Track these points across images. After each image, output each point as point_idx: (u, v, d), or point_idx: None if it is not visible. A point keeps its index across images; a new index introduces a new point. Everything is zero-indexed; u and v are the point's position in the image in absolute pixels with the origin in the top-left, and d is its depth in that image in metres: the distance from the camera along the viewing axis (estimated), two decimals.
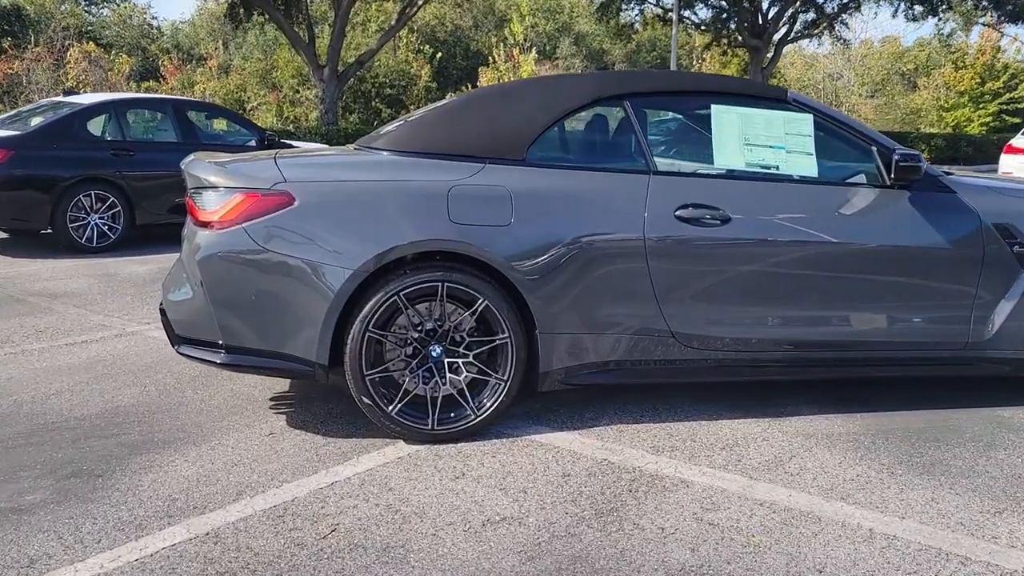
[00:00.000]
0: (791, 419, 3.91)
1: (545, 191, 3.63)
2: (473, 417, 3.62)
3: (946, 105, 43.19)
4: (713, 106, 3.90)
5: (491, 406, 3.63)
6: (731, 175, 3.84)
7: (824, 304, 3.78)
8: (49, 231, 8.70)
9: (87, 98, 9.89)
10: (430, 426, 3.59)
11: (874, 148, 3.87)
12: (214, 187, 3.55)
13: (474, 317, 3.58)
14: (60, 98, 10.56)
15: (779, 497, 3.11)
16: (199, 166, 3.70)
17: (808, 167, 3.86)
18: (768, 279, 3.73)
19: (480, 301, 3.55)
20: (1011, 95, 41.30)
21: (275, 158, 3.67)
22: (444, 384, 3.61)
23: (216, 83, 31.78)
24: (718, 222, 3.67)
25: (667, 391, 4.21)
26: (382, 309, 3.49)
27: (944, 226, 3.81)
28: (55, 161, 8.50)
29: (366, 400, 3.53)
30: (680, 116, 4.24)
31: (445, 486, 3.22)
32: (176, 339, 3.74)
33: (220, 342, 3.55)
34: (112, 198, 8.77)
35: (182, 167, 3.84)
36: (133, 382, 4.50)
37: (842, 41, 33.49)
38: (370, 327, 3.49)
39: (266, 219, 3.46)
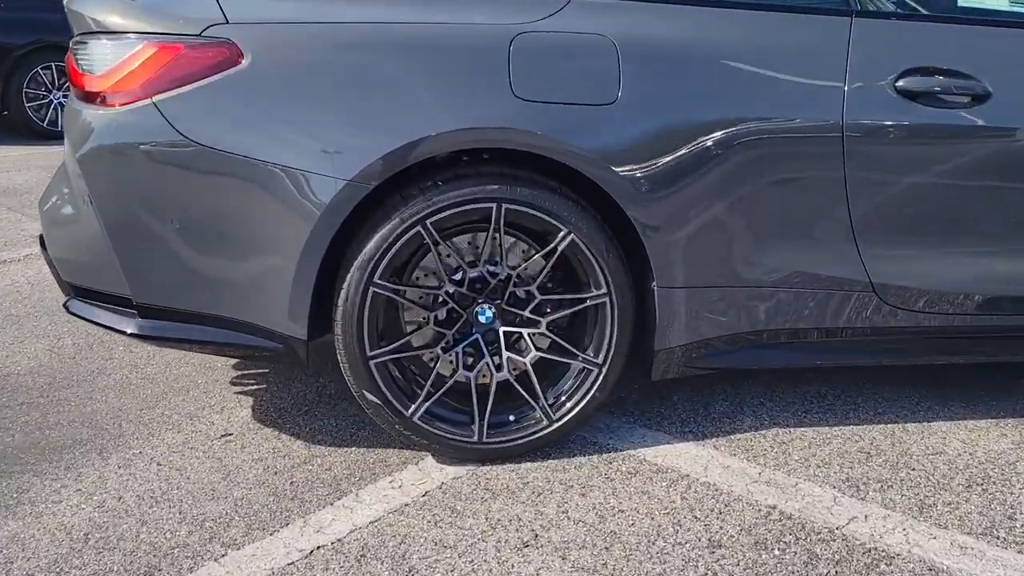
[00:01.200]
0: None
1: (676, 45, 2.11)
2: (546, 423, 2.21)
3: None
4: None
5: (575, 405, 2.22)
6: (986, 18, 2.28)
7: None
8: (5, 113, 7.23)
9: None
10: (476, 437, 2.19)
11: None
12: (107, 33, 2.06)
13: (550, 260, 2.13)
14: None
15: None
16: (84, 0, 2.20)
17: None
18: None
19: (562, 233, 2.09)
20: None
21: None
22: (499, 368, 2.19)
23: None
24: (968, 99, 2.15)
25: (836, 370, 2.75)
26: (397, 247, 2.04)
27: None
28: (2, 25, 6.95)
29: (371, 397, 2.13)
30: None
31: (505, 569, 1.84)
32: (64, 287, 2.32)
33: (129, 298, 2.14)
34: None
35: (65, 4, 2.34)
36: (44, 332, 3.13)
37: None
38: (377, 276, 2.05)
39: (194, 88, 1.98)
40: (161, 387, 2.69)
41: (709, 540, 1.91)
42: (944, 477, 2.15)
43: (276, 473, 2.20)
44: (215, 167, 2.01)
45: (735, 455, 2.25)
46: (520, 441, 2.21)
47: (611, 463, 2.22)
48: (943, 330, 2.32)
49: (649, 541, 1.91)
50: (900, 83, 2.13)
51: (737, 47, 2.13)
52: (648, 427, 2.41)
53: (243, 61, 1.98)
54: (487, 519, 1.99)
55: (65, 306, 2.29)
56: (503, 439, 2.20)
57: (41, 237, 2.42)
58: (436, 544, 1.91)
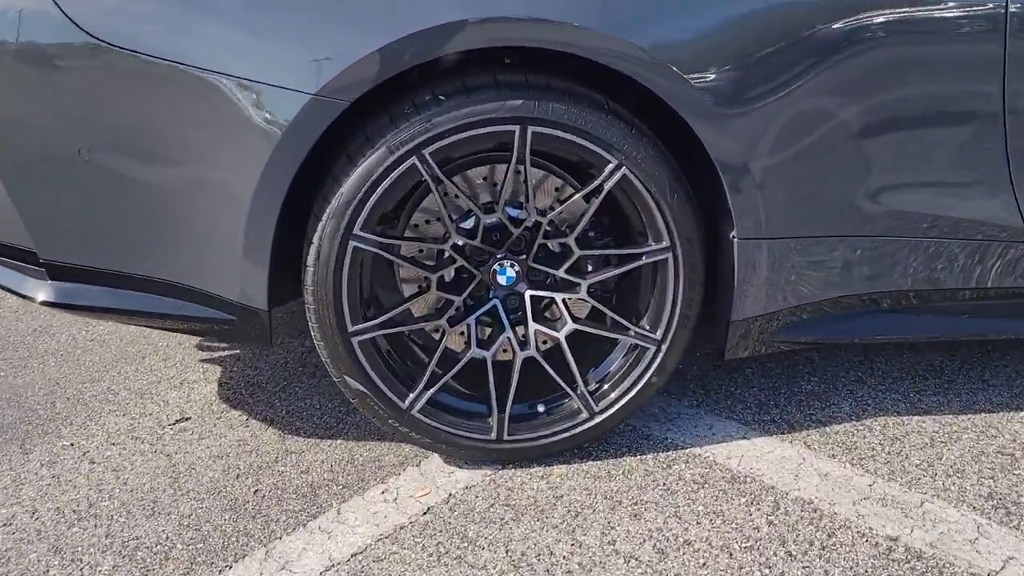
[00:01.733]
0: None
1: None
2: (586, 416, 1.68)
3: None
4: None
5: (624, 393, 1.68)
6: None
7: None
8: None
9: None
10: (495, 434, 1.67)
11: None
12: None
13: (594, 203, 1.57)
14: None
15: None
16: None
17: None
18: None
19: (611, 166, 1.52)
20: None
21: None
22: (524, 345, 1.66)
23: None
24: None
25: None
26: (385, 185, 1.49)
27: None
28: None
29: (355, 384, 1.60)
30: None
31: None
32: None
33: (34, 252, 1.61)
34: None
35: None
36: None
37: None
38: (358, 227, 1.50)
39: None
40: (112, 352, 2.20)
41: None
42: None
43: (238, 476, 1.71)
44: (135, 77, 1.45)
45: (834, 456, 1.71)
46: (551, 439, 1.69)
47: (670, 467, 1.69)
48: None
49: None
50: None
51: None
52: (717, 413, 1.87)
53: None
54: (507, 553, 1.48)
55: None
56: (530, 436, 1.68)
57: None
58: None
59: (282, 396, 1.99)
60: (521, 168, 1.53)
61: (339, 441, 1.82)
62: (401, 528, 1.55)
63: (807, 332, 1.71)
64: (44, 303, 1.64)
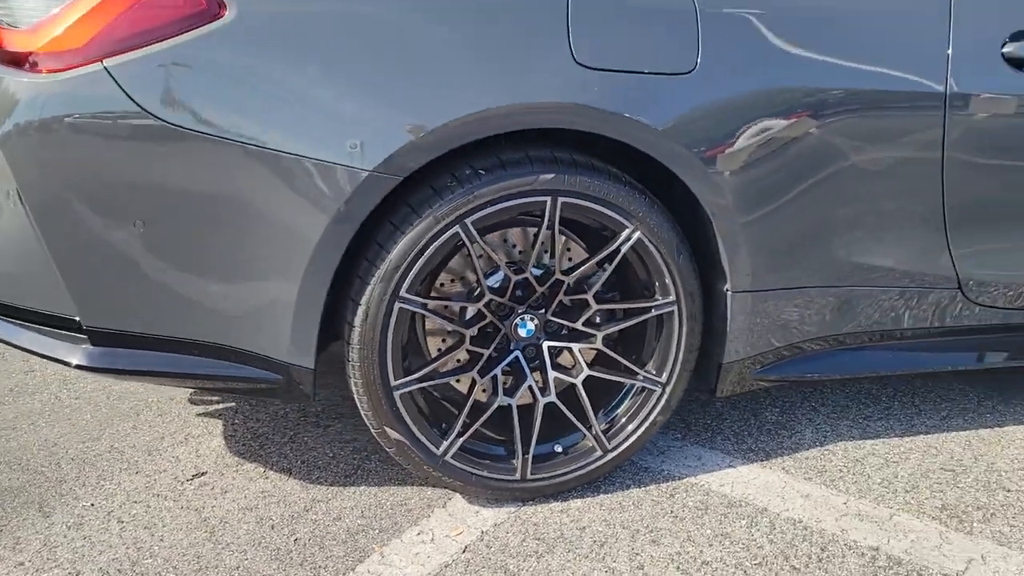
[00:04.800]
0: None
1: (757, 3, 1.74)
2: (600, 454, 1.86)
3: None
4: None
5: (634, 431, 1.88)
6: None
7: None
8: None
9: None
10: (519, 474, 1.82)
11: None
12: None
13: (612, 263, 1.76)
14: None
15: None
16: None
17: None
18: None
19: (627, 231, 1.72)
20: None
21: None
22: (544, 391, 1.82)
23: None
24: None
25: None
26: (430, 251, 1.63)
27: None
28: None
29: (395, 434, 1.73)
30: None
31: None
32: None
33: (77, 320, 1.65)
34: None
35: None
36: None
37: None
38: (404, 289, 1.64)
39: (161, 49, 1.50)
40: (104, 410, 2.21)
41: None
42: None
43: (273, 527, 1.79)
44: (192, 153, 1.53)
45: (810, 479, 1.96)
46: (569, 476, 1.86)
47: (673, 496, 1.89)
48: (1014, 325, 2.08)
49: None
50: (1008, 48, 1.82)
51: (827, 4, 1.78)
52: (701, 445, 2.09)
53: (226, 13, 1.50)
54: None
55: None
56: (550, 475, 1.84)
57: None
58: None
59: (292, 447, 2.07)
60: (549, 235, 1.70)
61: (362, 488, 1.92)
62: (446, 566, 1.67)
63: (785, 371, 1.95)
64: (81, 367, 1.67)
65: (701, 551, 1.72)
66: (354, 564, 1.68)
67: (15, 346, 1.71)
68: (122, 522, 1.80)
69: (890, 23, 1.80)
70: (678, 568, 1.67)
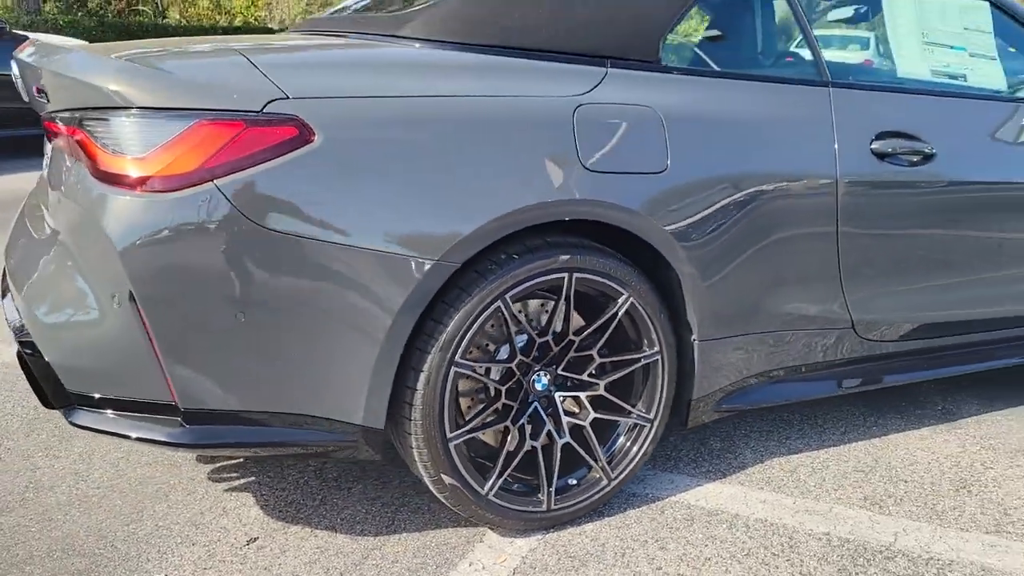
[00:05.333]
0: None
1: (705, 114, 2.26)
2: (605, 482, 2.26)
3: None
4: None
5: (631, 461, 2.30)
6: (922, 89, 2.67)
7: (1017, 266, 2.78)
8: None
9: None
10: (545, 506, 2.18)
11: None
12: (142, 109, 1.81)
13: (611, 324, 2.19)
14: None
15: None
16: (89, 62, 1.92)
17: (994, 78, 2.80)
18: (964, 239, 2.65)
19: (623, 297, 2.16)
20: None
21: (245, 54, 1.96)
22: (560, 433, 2.21)
23: None
24: (918, 157, 2.51)
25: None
26: (478, 323, 2.00)
27: None
28: None
29: (449, 480, 2.05)
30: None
31: None
32: (62, 398, 1.98)
33: (175, 404, 1.88)
34: None
35: (26, 63, 2.01)
36: None
37: None
38: (459, 356, 1.99)
39: (262, 170, 1.81)
40: (131, 496, 2.36)
41: (798, 573, 2.07)
42: (934, 484, 2.48)
43: (342, 575, 2.04)
44: (291, 253, 1.84)
45: (761, 488, 2.44)
46: (582, 504, 2.24)
47: (663, 512, 2.31)
48: (895, 353, 2.68)
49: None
50: (875, 144, 2.44)
51: (750, 112, 2.32)
52: (669, 471, 2.53)
53: (315, 139, 1.84)
54: None
55: (70, 420, 1.95)
56: (568, 504, 2.22)
57: (21, 341, 2.03)
58: None
59: (326, 508, 2.31)
60: (564, 304, 2.11)
61: (404, 534, 2.20)
62: None
63: (738, 401, 2.43)
64: (177, 446, 1.90)
65: (701, 551, 2.14)
66: None
67: (114, 434, 1.90)
68: None
69: (796, 127, 2.38)
70: (689, 564, 2.08)
